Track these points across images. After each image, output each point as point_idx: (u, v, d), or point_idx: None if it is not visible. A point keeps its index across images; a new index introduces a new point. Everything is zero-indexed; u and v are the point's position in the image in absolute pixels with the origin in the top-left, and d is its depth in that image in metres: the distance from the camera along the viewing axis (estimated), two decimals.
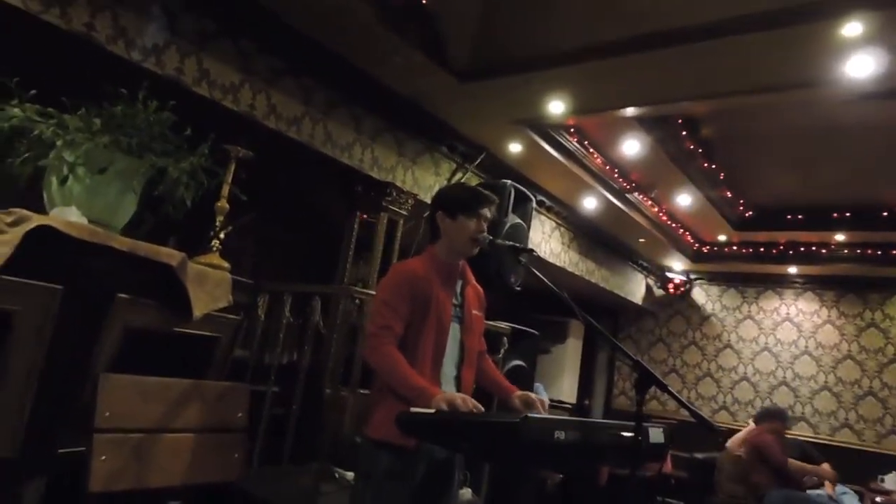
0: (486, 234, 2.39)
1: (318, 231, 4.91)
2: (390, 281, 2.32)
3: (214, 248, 3.15)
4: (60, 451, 2.08)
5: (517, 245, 2.54)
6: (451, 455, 2.24)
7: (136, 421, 2.14)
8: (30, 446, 1.99)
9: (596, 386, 9.67)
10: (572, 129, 5.14)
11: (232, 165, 3.21)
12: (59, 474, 2.10)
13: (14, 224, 1.93)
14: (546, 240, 6.60)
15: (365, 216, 4.59)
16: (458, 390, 2.36)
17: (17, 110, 2.02)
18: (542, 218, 6.50)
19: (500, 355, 3.77)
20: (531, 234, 6.38)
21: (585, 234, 7.17)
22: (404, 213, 4.69)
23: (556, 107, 4.34)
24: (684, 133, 5.45)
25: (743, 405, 8.60)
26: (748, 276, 8.74)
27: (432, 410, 1.94)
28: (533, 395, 2.31)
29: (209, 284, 2.63)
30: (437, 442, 2.00)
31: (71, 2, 2.89)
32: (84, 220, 2.09)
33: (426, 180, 4.98)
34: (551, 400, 7.99)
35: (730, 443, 5.73)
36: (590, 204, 6.41)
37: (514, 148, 5.17)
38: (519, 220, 4.37)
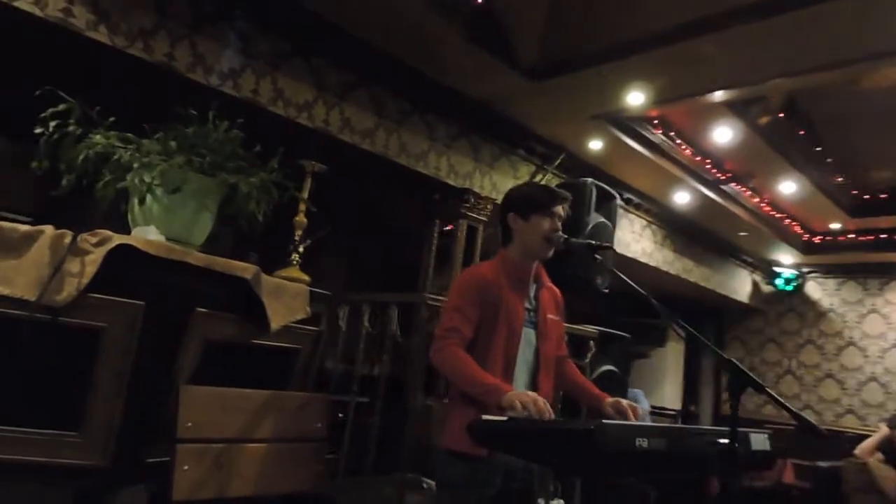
0: (560, 233, 2.29)
1: (401, 241, 4.94)
2: (458, 285, 2.28)
3: (294, 262, 3.23)
4: (149, 460, 2.17)
5: (592, 242, 2.41)
6: (528, 464, 2.15)
7: (218, 431, 2.19)
8: (120, 456, 2.08)
9: (702, 391, 9.13)
10: (656, 121, 4.89)
11: (308, 180, 3.28)
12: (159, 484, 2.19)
13: (98, 244, 2.04)
14: (637, 239, 6.32)
15: (445, 224, 4.57)
16: None
17: (98, 137, 2.15)
18: (631, 216, 6.23)
19: (587, 360, 3.61)
20: (619, 233, 6.15)
21: (679, 230, 6.81)
22: (483, 219, 4.63)
23: (636, 98, 4.14)
24: (782, 115, 5.06)
25: (873, 408, 7.82)
26: (869, 266, 7.98)
27: (504, 418, 1.86)
28: (625, 402, 2.17)
29: (286, 297, 2.67)
30: (509, 451, 1.91)
31: (153, 35, 3.07)
32: (161, 238, 2.18)
33: (505, 185, 4.89)
34: (652, 407, 7.62)
35: (858, 450, 5.21)
36: (681, 199, 6.08)
37: (595, 145, 4.99)
38: (603, 219, 4.20)
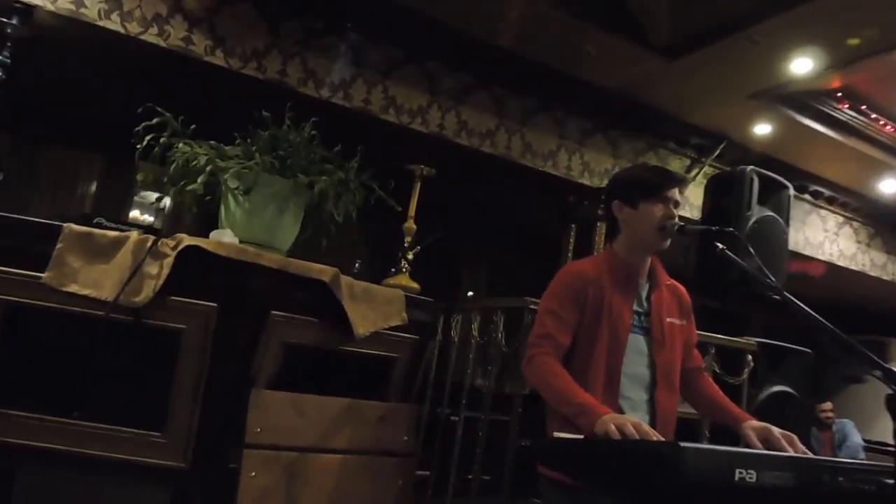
0: (676, 220, 1.92)
1: (542, 246, 4.64)
2: (554, 285, 2.01)
3: (404, 269, 3.13)
4: (231, 466, 2.15)
5: (711, 228, 1.99)
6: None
7: (290, 438, 2.11)
8: (199, 459, 2.09)
9: None
10: (839, 94, 4.07)
11: (417, 185, 3.18)
12: None
13: (175, 248, 2.09)
14: (832, 239, 5.33)
15: (582, 227, 4.21)
16: (653, 419, 1.90)
17: (183, 146, 2.22)
18: (823, 212, 5.28)
19: (744, 377, 3.02)
20: (809, 232, 5.24)
21: (892, 226, 5.62)
22: None
23: (802, 65, 3.46)
24: None
25: None
26: None
27: (580, 437, 1.53)
28: (776, 430, 1.72)
29: (378, 302, 2.55)
30: (577, 478, 1.57)
31: (265, 55, 3.19)
32: (235, 241, 2.18)
33: None
34: (868, 442, 6.30)
35: None
36: (890, 188, 5.01)
37: (761, 129, 4.29)
38: (770, 213, 3.58)
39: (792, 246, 4.68)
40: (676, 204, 1.98)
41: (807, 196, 5.08)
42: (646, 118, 4.24)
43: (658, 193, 1.93)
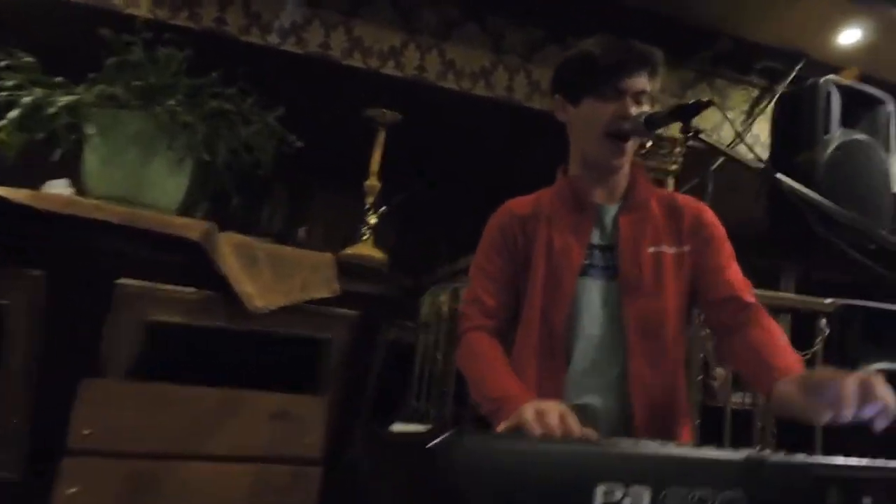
0: (634, 116, 1.30)
1: None
2: (484, 232, 1.46)
3: (365, 236, 2.60)
4: None
5: (677, 106, 1.26)
6: None
7: (138, 442, 1.62)
8: (34, 468, 1.65)
9: None
10: None
11: (381, 134, 2.65)
12: None
13: None
14: None
15: None
16: (626, 403, 1.28)
17: (37, 89, 1.80)
18: None
19: (815, 349, 2.18)
20: None
21: None
22: (673, 167, 3.37)
23: None
24: None
25: None
26: None
27: (421, 429, 0.92)
28: (831, 373, 1.01)
29: (294, 269, 2.04)
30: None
31: (201, 3, 2.78)
32: (68, 192, 1.74)
33: (708, 119, 3.55)
34: None
35: None
36: None
37: (848, 37, 3.33)
38: (861, 136, 2.81)
39: None
40: (639, 97, 1.32)
41: None
42: (691, 40, 3.42)
43: (606, 82, 1.30)
